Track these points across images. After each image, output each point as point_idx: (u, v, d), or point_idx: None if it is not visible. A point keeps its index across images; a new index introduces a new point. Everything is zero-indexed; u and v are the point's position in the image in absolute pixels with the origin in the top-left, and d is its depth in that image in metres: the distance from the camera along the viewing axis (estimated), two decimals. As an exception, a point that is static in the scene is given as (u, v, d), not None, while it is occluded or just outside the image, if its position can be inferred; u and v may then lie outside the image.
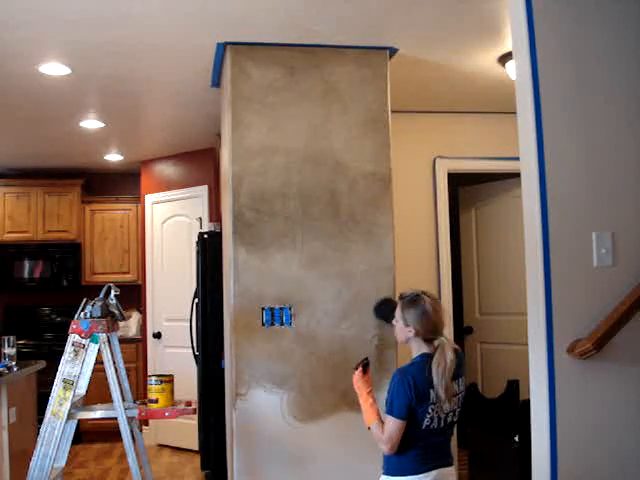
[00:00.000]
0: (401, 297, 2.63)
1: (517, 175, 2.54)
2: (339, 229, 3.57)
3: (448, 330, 4.85)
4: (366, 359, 2.70)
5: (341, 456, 3.46)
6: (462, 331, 5.60)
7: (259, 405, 3.43)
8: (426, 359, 2.47)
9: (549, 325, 2.27)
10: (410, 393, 2.39)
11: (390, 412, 2.42)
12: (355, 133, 3.63)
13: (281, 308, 3.48)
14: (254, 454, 3.43)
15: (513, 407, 3.97)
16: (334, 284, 3.53)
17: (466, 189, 5.74)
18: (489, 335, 5.51)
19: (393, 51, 3.73)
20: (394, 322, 2.62)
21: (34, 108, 4.68)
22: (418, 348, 2.54)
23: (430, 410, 2.41)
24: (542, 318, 2.28)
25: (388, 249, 3.60)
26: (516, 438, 3.81)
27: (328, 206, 3.58)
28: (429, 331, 2.51)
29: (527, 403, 2.48)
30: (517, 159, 2.47)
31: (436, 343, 2.49)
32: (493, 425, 4.23)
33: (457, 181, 5.51)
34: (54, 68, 3.87)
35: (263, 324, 3.47)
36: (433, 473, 2.45)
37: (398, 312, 2.59)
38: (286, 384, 3.45)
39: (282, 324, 3.48)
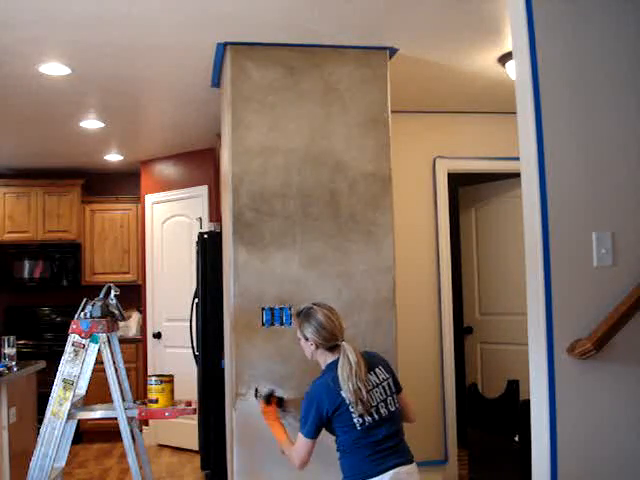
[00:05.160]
0: (297, 314, 2.73)
1: (517, 175, 2.54)
2: (339, 229, 3.57)
3: (448, 329, 4.86)
4: (271, 391, 3.05)
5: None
6: (462, 331, 5.60)
7: (259, 405, 3.43)
8: (333, 367, 2.56)
9: (549, 325, 2.27)
10: (317, 414, 2.51)
11: (301, 431, 2.56)
12: (355, 133, 3.63)
13: (281, 308, 3.48)
14: (254, 454, 3.43)
15: (513, 407, 3.97)
16: (334, 284, 3.53)
17: (466, 189, 5.74)
18: (489, 335, 5.51)
19: (393, 51, 3.73)
20: (301, 342, 2.70)
21: (34, 108, 4.68)
22: (324, 359, 2.64)
23: (352, 410, 2.48)
24: (542, 318, 2.28)
25: (388, 249, 3.60)
26: (516, 438, 3.81)
27: (328, 206, 3.58)
28: (328, 340, 2.60)
29: (527, 403, 2.48)
30: (517, 159, 2.47)
31: (340, 349, 2.57)
32: (493, 425, 4.23)
33: (457, 181, 5.51)
34: (54, 68, 3.87)
35: (263, 324, 3.47)
36: (389, 473, 2.47)
37: (298, 330, 2.70)
38: (286, 384, 3.44)
39: (282, 324, 3.48)
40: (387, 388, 2.57)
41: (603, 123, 2.37)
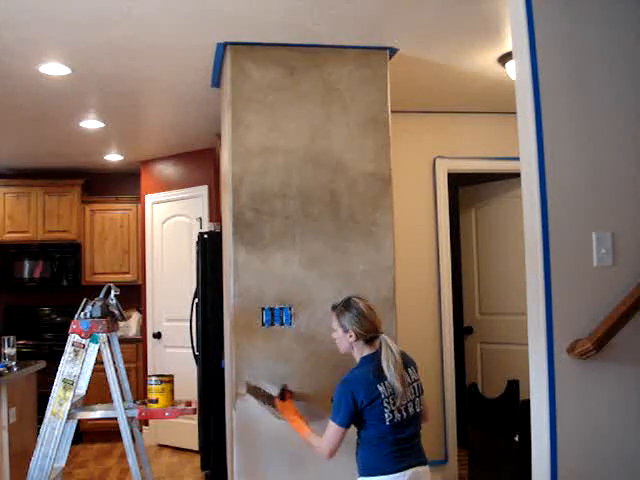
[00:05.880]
0: (333, 307, 2.70)
1: (517, 175, 2.54)
2: (339, 229, 3.57)
3: (448, 329, 4.86)
4: (284, 386, 3.00)
5: (341, 456, 3.45)
6: (462, 331, 5.60)
7: (259, 405, 3.43)
8: (370, 360, 2.55)
9: (549, 325, 2.27)
10: (352, 404, 2.48)
11: (334, 419, 2.52)
12: (355, 133, 3.63)
13: (281, 308, 3.48)
14: (254, 454, 3.43)
15: (513, 407, 3.97)
16: (334, 284, 3.53)
17: (466, 189, 5.74)
18: (489, 335, 5.51)
19: (393, 51, 3.73)
20: (333, 334, 2.67)
21: (34, 108, 4.68)
22: (361, 352, 2.61)
23: (386, 404, 2.47)
24: (542, 318, 2.28)
25: (388, 249, 3.60)
26: (516, 438, 3.81)
27: (328, 206, 3.57)
28: (368, 330, 2.57)
29: (527, 403, 2.48)
30: (517, 159, 2.47)
31: (377, 342, 2.56)
32: (493, 425, 4.23)
33: (457, 181, 5.51)
34: (54, 68, 3.87)
35: (263, 324, 3.47)
36: (408, 473, 2.48)
37: (335, 321, 2.65)
38: (286, 384, 3.44)
39: (282, 324, 3.48)
40: (416, 389, 2.59)
41: (603, 123, 2.37)
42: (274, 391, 3.35)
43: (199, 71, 4.01)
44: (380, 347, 2.55)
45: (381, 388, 2.48)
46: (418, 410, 2.58)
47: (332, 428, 2.53)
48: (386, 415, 2.47)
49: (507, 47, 3.70)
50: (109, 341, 3.45)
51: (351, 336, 2.58)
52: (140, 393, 5.78)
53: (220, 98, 4.18)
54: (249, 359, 3.45)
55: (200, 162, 6.10)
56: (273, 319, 3.47)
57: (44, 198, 6.67)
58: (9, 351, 3.88)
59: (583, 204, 2.33)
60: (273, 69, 3.60)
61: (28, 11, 3.14)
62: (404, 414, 2.50)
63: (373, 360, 2.54)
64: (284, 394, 3.00)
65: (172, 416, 3.52)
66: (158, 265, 6.35)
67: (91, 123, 5.11)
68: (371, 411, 2.48)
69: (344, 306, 2.63)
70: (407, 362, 2.62)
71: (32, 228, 6.65)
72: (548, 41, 2.36)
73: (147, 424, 6.26)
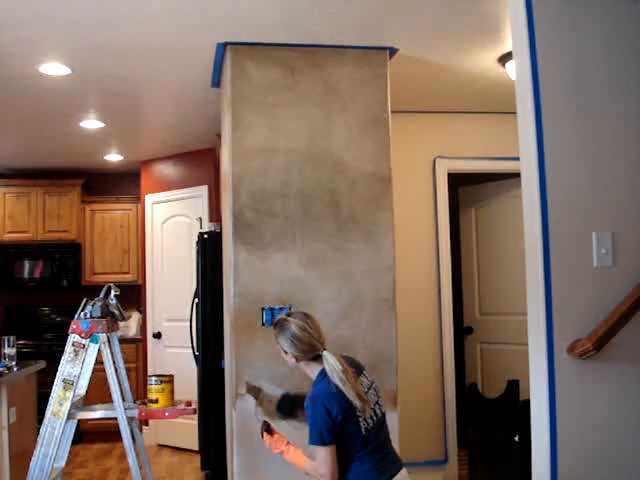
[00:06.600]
0: (273, 327, 2.60)
1: (517, 175, 2.54)
2: (339, 229, 3.57)
3: (448, 329, 4.86)
4: (265, 423, 2.76)
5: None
6: (462, 331, 5.60)
7: (258, 405, 3.43)
8: (325, 375, 2.43)
9: (549, 325, 2.27)
10: (328, 418, 2.35)
11: (315, 442, 2.37)
12: (355, 133, 3.63)
13: (281, 308, 3.48)
14: (254, 454, 3.43)
15: (513, 407, 3.97)
16: (334, 284, 3.53)
17: (466, 189, 5.74)
18: (489, 335, 5.51)
19: (393, 51, 3.73)
20: (282, 354, 2.57)
21: (34, 108, 4.68)
22: (311, 370, 2.51)
23: (359, 414, 2.38)
24: (542, 318, 2.28)
25: (388, 249, 3.60)
26: (516, 438, 3.81)
27: (328, 206, 3.57)
28: (306, 352, 2.46)
29: (527, 403, 2.48)
30: (517, 159, 2.47)
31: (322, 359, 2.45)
32: (493, 425, 4.23)
33: (457, 181, 5.51)
34: (54, 68, 3.87)
35: (263, 324, 3.47)
36: None
37: (276, 342, 2.56)
38: (286, 384, 3.44)
39: (282, 324, 3.47)
40: (376, 390, 2.53)
41: (603, 123, 2.37)
42: (274, 391, 3.35)
43: (199, 71, 4.01)
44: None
45: (350, 397, 2.37)
46: (384, 411, 2.51)
47: (319, 452, 2.37)
48: (361, 424, 2.38)
49: (507, 47, 3.70)
50: (109, 341, 3.45)
51: (292, 358, 2.50)
52: (140, 393, 5.78)
53: (220, 98, 4.18)
54: (249, 359, 3.45)
55: (200, 162, 6.10)
56: (273, 319, 3.46)
57: (44, 198, 6.67)
58: (9, 351, 3.88)
59: (583, 204, 2.33)
60: (273, 69, 3.60)
61: (28, 11, 3.14)
62: (374, 418, 2.44)
63: (327, 376, 2.42)
64: (270, 427, 2.77)
65: (172, 416, 3.52)
66: (158, 265, 6.35)
67: (91, 123, 5.11)
68: (348, 424, 2.36)
69: (279, 329, 2.52)
70: (358, 367, 2.53)
71: (32, 228, 6.65)
72: (548, 41, 2.36)
73: (147, 424, 6.26)
